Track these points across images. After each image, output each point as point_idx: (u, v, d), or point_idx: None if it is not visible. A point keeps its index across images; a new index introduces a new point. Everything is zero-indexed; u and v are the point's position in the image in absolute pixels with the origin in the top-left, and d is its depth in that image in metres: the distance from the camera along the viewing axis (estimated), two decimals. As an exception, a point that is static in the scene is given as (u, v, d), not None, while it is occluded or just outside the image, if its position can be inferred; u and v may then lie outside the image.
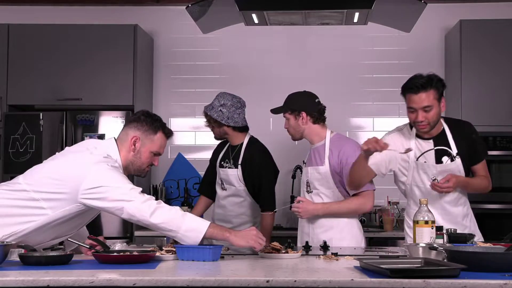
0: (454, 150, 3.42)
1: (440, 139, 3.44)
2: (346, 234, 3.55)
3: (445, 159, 3.42)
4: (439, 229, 3.07)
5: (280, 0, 3.46)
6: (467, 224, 3.51)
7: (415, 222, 3.00)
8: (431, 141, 3.45)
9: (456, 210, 3.48)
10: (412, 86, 3.34)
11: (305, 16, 3.61)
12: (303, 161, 3.75)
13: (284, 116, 3.66)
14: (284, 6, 3.48)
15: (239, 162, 4.01)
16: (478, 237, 3.48)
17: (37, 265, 2.53)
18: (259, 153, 4.08)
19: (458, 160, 3.42)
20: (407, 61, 5.48)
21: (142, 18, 5.47)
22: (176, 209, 2.83)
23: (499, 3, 5.37)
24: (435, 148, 3.41)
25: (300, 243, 3.62)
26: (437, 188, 3.34)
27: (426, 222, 2.98)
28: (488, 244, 2.95)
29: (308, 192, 3.62)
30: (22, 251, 2.67)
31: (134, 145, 2.99)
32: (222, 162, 4.11)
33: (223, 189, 4.10)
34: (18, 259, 2.62)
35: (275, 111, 3.69)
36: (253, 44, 5.52)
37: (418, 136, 3.46)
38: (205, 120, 4.08)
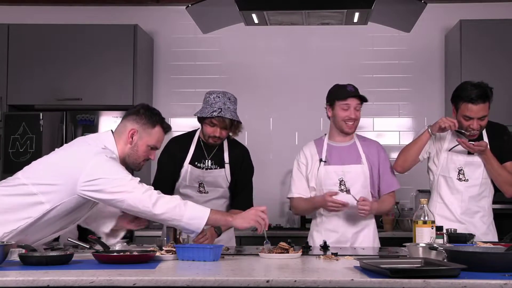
0: None
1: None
2: (375, 233, 3.64)
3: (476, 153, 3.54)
4: (439, 229, 3.08)
5: (280, 0, 3.46)
6: (485, 221, 3.61)
7: (415, 222, 3.01)
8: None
9: (476, 206, 3.59)
10: (472, 97, 3.45)
11: (305, 16, 3.61)
12: (321, 159, 3.60)
13: (356, 106, 3.54)
14: (284, 6, 3.47)
15: (226, 161, 3.68)
16: (493, 238, 3.58)
17: (37, 265, 2.53)
18: (247, 151, 3.79)
19: None
20: (407, 61, 5.49)
21: (142, 18, 5.47)
22: (177, 198, 2.84)
23: (499, 3, 5.37)
24: (469, 141, 3.51)
25: (318, 244, 3.45)
26: (463, 144, 3.45)
27: (425, 222, 2.99)
28: (488, 244, 2.96)
29: (341, 191, 3.51)
30: (22, 251, 2.67)
31: (132, 138, 2.98)
32: (197, 163, 3.68)
33: (203, 192, 3.67)
34: (18, 259, 2.61)
35: (361, 97, 3.55)
36: (253, 44, 5.52)
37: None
38: (220, 127, 3.55)
